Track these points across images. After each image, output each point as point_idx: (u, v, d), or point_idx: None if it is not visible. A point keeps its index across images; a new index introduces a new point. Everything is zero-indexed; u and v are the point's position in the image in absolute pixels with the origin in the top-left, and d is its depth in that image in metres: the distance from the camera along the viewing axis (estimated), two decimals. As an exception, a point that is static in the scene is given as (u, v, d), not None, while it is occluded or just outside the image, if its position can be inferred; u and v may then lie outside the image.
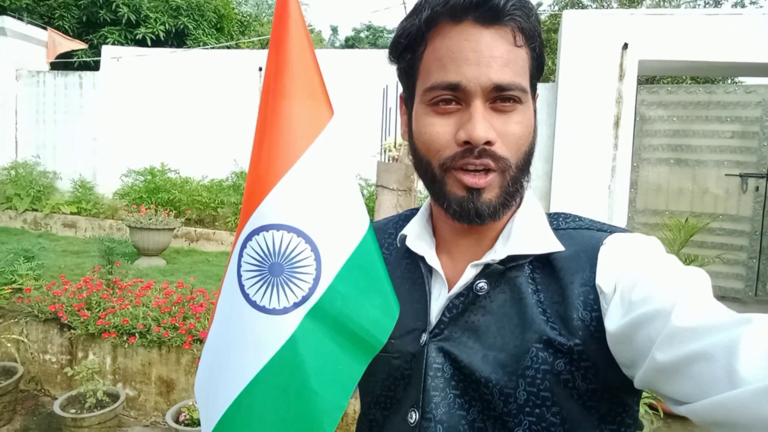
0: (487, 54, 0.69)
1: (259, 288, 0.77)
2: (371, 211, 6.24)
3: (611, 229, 0.75)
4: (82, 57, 9.20)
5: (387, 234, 0.93)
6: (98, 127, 7.73)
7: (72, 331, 3.76)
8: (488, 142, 0.70)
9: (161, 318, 3.63)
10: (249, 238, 0.78)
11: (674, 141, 6.04)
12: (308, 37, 0.83)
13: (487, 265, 0.75)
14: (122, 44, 8.92)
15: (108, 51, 7.81)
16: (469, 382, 0.73)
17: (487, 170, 0.71)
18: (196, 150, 7.28)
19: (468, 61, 0.70)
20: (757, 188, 5.76)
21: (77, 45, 8.96)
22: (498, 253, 0.75)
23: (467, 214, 0.73)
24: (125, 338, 3.63)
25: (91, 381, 3.40)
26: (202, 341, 3.52)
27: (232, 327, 0.79)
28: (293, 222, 0.77)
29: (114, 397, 3.44)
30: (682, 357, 0.54)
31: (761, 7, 12.06)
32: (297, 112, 0.80)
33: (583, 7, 11.74)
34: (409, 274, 0.84)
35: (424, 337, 0.77)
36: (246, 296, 0.77)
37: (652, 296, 0.61)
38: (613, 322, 0.64)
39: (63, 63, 8.57)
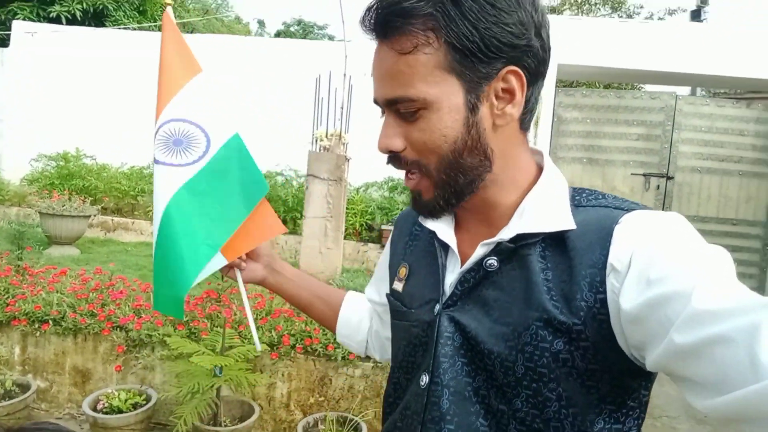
0: (378, 70, 0.74)
1: (165, 152, 1.24)
2: (300, 202, 6.22)
3: (630, 207, 0.73)
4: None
5: (414, 215, 0.96)
6: (5, 108, 7.19)
7: (-25, 319, 3.50)
8: (392, 151, 0.74)
9: (77, 305, 3.46)
10: (160, 127, 1.26)
11: (587, 141, 6.46)
12: (181, 41, 1.37)
13: (498, 243, 0.76)
14: (33, 22, 8.32)
15: (20, 26, 7.30)
16: (476, 351, 0.77)
17: (414, 172, 0.76)
18: (114, 135, 6.94)
19: (375, 79, 0.75)
20: (658, 187, 6.28)
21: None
22: (509, 230, 0.76)
23: (419, 212, 0.82)
24: (37, 326, 3.43)
25: (-4, 372, 3.21)
26: (122, 328, 3.40)
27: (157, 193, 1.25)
28: (192, 118, 1.29)
29: (24, 387, 3.25)
30: (702, 340, 0.54)
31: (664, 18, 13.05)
32: (177, 68, 1.34)
33: (560, 12, 12.31)
34: (430, 248, 0.88)
35: (438, 307, 0.82)
36: (156, 160, 1.24)
37: (670, 275, 0.61)
38: (628, 300, 0.64)
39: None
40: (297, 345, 3.34)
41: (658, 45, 5.92)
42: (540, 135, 6.26)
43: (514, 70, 0.71)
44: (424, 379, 0.81)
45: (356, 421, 3.12)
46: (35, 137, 7.07)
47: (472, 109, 0.72)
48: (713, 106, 6.28)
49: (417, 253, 0.92)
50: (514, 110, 0.74)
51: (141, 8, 10.67)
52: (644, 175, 6.31)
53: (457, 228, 0.86)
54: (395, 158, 0.76)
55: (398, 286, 0.94)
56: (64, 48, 7.19)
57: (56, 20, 8.92)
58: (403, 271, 0.94)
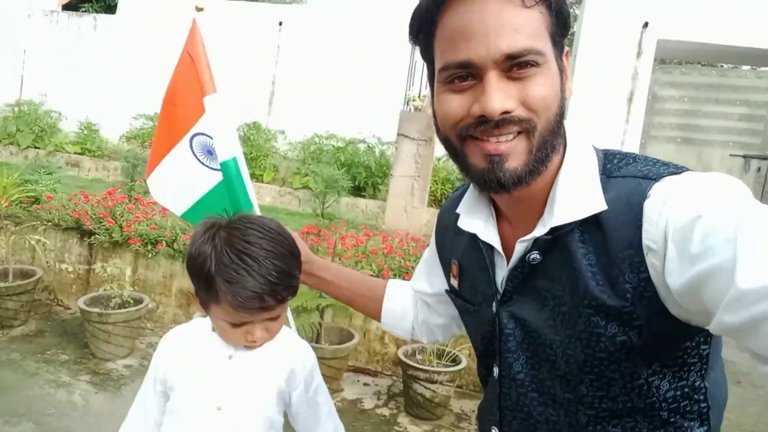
0: (494, 23, 0.68)
1: (204, 157, 1.81)
2: (382, 167, 6.28)
3: (659, 174, 0.71)
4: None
5: (455, 210, 0.93)
6: (109, 71, 7.64)
7: (95, 236, 3.73)
8: (506, 112, 0.69)
9: (189, 230, 3.63)
10: (192, 137, 1.79)
11: (683, 120, 6.19)
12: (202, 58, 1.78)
13: (536, 239, 0.76)
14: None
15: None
16: (537, 344, 0.79)
17: (511, 137, 0.71)
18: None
19: (476, 34, 0.68)
20: (758, 169, 5.93)
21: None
22: (543, 225, 0.75)
23: (490, 185, 0.73)
24: (149, 248, 3.62)
25: (112, 286, 3.40)
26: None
27: (186, 174, 1.83)
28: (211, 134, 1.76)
29: (138, 301, 3.44)
30: (749, 319, 0.54)
31: None
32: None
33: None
34: (475, 245, 0.88)
35: (494, 304, 0.84)
36: (199, 160, 1.82)
37: (710, 248, 0.59)
38: (674, 279, 0.63)
39: (74, 5, 8.45)
40: (396, 277, 3.37)
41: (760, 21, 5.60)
42: (633, 112, 6.04)
43: (567, 51, 0.75)
44: (496, 372, 0.87)
45: (454, 353, 3.13)
46: (135, 99, 7.45)
47: (561, 74, 0.74)
48: (825, 86, 5.88)
49: (464, 250, 0.92)
50: (571, 88, 0.76)
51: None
52: (744, 156, 5.98)
53: (500, 221, 0.85)
54: (502, 121, 0.70)
55: (455, 282, 0.95)
56: (165, 14, 7.53)
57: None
58: (455, 269, 0.95)
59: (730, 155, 6.03)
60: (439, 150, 6.44)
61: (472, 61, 0.69)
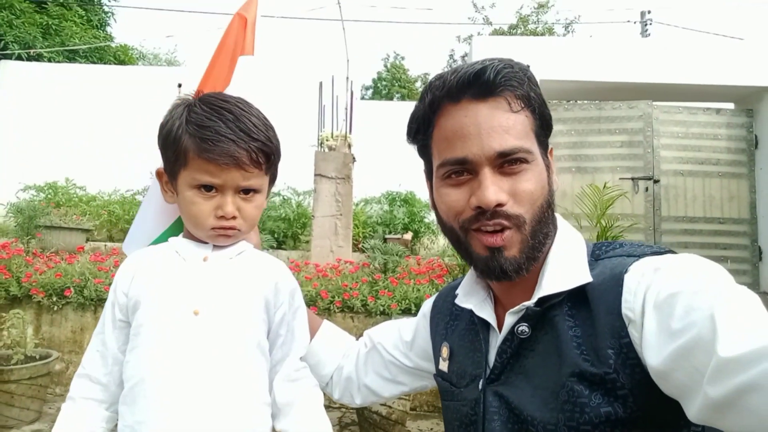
0: (486, 126, 0.77)
1: None
2: (300, 218, 6.17)
3: (643, 253, 0.76)
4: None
5: (452, 296, 1.01)
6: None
7: (-12, 294, 3.27)
8: (499, 204, 0.78)
9: (99, 275, 3.30)
10: None
11: (573, 152, 6.75)
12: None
13: (525, 309, 0.79)
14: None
15: (7, 66, 7.32)
16: (521, 422, 0.77)
17: (503, 229, 0.79)
18: (104, 164, 6.87)
19: (470, 135, 0.78)
20: (646, 189, 6.54)
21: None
22: (533, 296, 0.79)
23: (493, 272, 0.80)
24: (55, 299, 3.23)
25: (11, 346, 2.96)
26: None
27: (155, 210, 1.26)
28: None
29: (44, 357, 3.01)
30: (733, 391, 0.53)
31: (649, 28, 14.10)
32: None
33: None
34: (471, 326, 0.94)
35: (481, 382, 0.86)
36: None
37: (691, 323, 0.60)
38: (653, 354, 0.63)
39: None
40: (335, 300, 3.24)
41: (617, 59, 6.40)
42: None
43: (552, 149, 0.87)
44: None
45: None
46: (20, 171, 6.91)
47: (548, 171, 0.83)
48: (686, 113, 6.72)
49: (458, 332, 0.97)
50: (557, 180, 0.87)
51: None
52: (632, 179, 6.58)
53: (496, 305, 0.92)
54: (495, 213, 0.78)
55: (444, 366, 0.99)
56: (51, 84, 7.23)
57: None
58: (445, 351, 0.99)
59: (620, 178, 6.60)
60: (358, 190, 6.49)
61: (468, 158, 0.78)
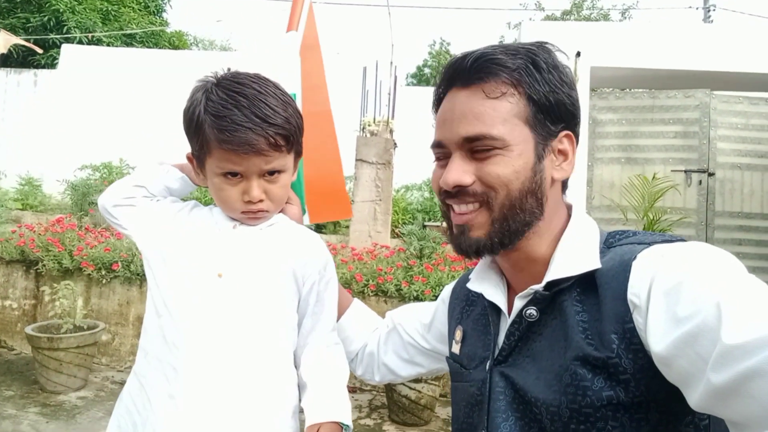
0: (458, 111, 0.81)
1: None
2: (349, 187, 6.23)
3: (653, 241, 0.76)
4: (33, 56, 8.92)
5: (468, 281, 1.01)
6: (50, 125, 7.41)
7: (42, 265, 3.46)
8: (461, 185, 0.81)
9: (145, 251, 3.44)
10: None
11: (624, 142, 6.52)
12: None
13: (534, 293, 0.80)
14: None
15: (68, 49, 7.65)
16: (525, 403, 0.78)
17: (470, 209, 0.82)
18: (156, 146, 7.10)
19: (446, 121, 0.83)
20: (700, 182, 6.26)
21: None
22: (543, 281, 0.79)
23: (457, 249, 0.86)
24: (103, 273, 3.38)
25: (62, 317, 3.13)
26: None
27: None
28: None
29: (91, 327, 3.17)
30: (737, 376, 0.53)
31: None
32: None
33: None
34: (484, 310, 0.95)
35: (488, 363, 0.87)
36: None
37: (697, 310, 0.60)
38: (657, 340, 0.63)
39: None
40: (370, 283, 3.27)
41: (675, 46, 6.11)
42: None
43: (569, 134, 0.85)
44: None
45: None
46: (78, 153, 7.23)
47: (539, 158, 0.81)
48: (746, 104, 6.38)
49: (473, 316, 0.98)
50: (568, 168, 0.86)
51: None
52: (685, 171, 6.31)
53: (509, 290, 0.92)
54: (458, 193, 0.81)
55: (456, 348, 1.00)
56: (105, 68, 7.50)
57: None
58: (458, 334, 1.00)
59: (672, 171, 6.35)
60: (399, 176, 6.49)
61: (442, 142, 0.83)
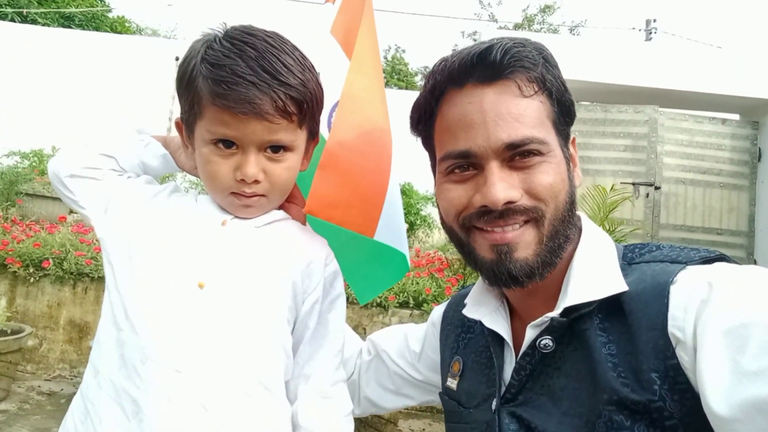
0: (492, 113, 0.68)
1: None
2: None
3: (689, 258, 0.66)
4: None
5: (463, 306, 0.87)
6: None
7: (-40, 261, 3.08)
8: (510, 202, 0.67)
9: (80, 248, 3.12)
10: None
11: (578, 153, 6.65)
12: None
13: (550, 320, 0.69)
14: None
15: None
16: None
17: (515, 226, 0.69)
18: (93, 135, 6.65)
19: (474, 125, 0.69)
20: (647, 195, 6.45)
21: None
22: (558, 305, 0.69)
23: (500, 277, 0.70)
24: (32, 270, 3.04)
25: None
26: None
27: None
28: None
29: (16, 331, 2.83)
30: None
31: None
32: None
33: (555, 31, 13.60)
34: (482, 340, 0.83)
35: (495, 402, 0.74)
36: None
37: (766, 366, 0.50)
38: (717, 397, 0.52)
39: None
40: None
41: (625, 62, 6.29)
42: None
43: (574, 139, 0.76)
44: None
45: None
46: (4, 138, 6.68)
47: (567, 164, 0.73)
48: (692, 121, 6.63)
49: (472, 346, 0.86)
50: (580, 175, 0.77)
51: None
52: (633, 183, 6.48)
53: (512, 316, 0.80)
54: (506, 212, 0.68)
55: (452, 383, 0.86)
56: (43, 50, 7.00)
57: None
58: (456, 366, 0.87)
59: (621, 183, 6.50)
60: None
61: (471, 150, 0.69)
